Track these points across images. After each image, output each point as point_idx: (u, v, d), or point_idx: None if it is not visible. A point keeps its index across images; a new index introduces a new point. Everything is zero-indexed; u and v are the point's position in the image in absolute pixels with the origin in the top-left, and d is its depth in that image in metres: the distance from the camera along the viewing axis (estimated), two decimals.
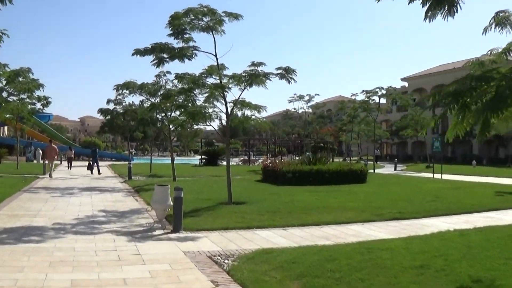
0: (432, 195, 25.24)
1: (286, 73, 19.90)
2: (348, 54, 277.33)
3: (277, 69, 20.04)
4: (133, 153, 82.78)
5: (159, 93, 32.37)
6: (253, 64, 19.89)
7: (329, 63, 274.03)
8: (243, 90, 20.53)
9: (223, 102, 20.90)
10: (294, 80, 19.95)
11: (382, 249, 11.76)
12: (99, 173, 41.72)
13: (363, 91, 58.92)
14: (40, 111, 44.40)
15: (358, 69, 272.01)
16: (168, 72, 32.12)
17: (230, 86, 20.20)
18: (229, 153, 22.05)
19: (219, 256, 11.77)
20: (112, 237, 14.04)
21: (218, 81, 20.30)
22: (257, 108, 20.85)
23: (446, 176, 41.79)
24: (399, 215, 18.58)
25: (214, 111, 22.01)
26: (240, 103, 20.59)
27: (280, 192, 25.28)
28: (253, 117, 21.64)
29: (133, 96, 36.35)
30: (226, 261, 11.28)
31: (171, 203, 15.61)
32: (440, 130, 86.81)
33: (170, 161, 68.12)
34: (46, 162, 39.40)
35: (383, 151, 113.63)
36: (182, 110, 21.49)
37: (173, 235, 14.42)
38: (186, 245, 13.00)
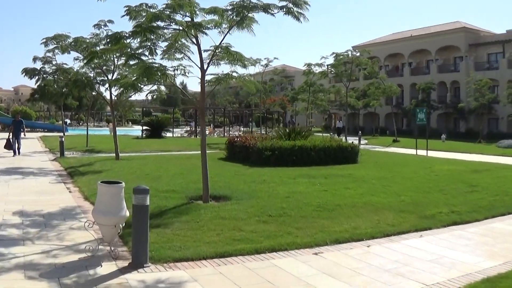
0: (461, 181, 19.69)
1: (294, 6, 13.32)
2: (291, 21, 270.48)
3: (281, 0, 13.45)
4: (67, 123, 75.05)
5: (99, 48, 26.02)
6: None
7: (272, 30, 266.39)
8: (226, 34, 14.11)
9: (196, 51, 14.43)
10: (304, 16, 13.46)
11: None
12: (15, 153, 29.77)
13: (333, 53, 52.54)
14: None
15: (304, 37, 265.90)
16: (110, 21, 25.42)
17: (208, 26, 13.64)
18: (205, 125, 15.32)
19: None
20: (23, 284, 7.50)
21: (189, 19, 13.66)
22: (242, 60, 14.43)
23: (426, 153, 36.33)
24: (457, 218, 13.08)
25: (181, 65, 15.47)
26: (225, 52, 14.05)
27: (267, 179, 18.94)
28: (233, 74, 15.11)
29: (66, 54, 28.97)
30: None
31: (127, 214, 9.09)
32: (394, 101, 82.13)
33: (108, 132, 63.21)
34: None
35: (331, 123, 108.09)
36: (137, 62, 14.46)
37: (133, 279, 7.92)
38: None
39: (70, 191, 16.55)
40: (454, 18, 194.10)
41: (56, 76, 31.39)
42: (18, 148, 30.36)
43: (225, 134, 63.76)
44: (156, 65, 14.37)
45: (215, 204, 13.75)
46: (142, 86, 15.67)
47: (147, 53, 14.24)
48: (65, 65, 29.86)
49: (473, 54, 78.93)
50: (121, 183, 9.17)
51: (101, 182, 9.23)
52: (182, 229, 10.81)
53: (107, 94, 28.52)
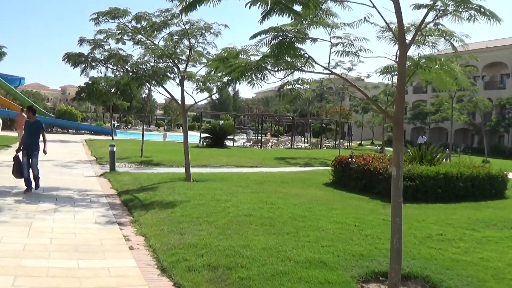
0: None
1: None
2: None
3: None
4: (115, 125, 68.88)
5: (167, 31, 19.85)
6: None
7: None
8: None
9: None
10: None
11: None
12: (30, 186, 15.63)
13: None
14: None
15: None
16: None
17: None
18: (402, 147, 7.83)
19: None
20: None
21: None
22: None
23: None
24: None
25: (347, 35, 8.62)
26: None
27: (441, 231, 11.59)
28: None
29: (119, 43, 21.55)
30: None
31: None
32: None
33: (160, 138, 56.82)
34: (17, 132, 32.35)
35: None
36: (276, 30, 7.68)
37: None
38: None
39: (131, 247, 9.66)
40: None
41: (110, 65, 22.54)
42: (36, 177, 15.85)
43: (292, 145, 56.85)
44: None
45: None
46: (272, 71, 8.68)
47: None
48: (121, 51, 21.98)
49: None
50: None
51: None
52: None
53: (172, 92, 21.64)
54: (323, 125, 76.59)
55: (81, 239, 9.99)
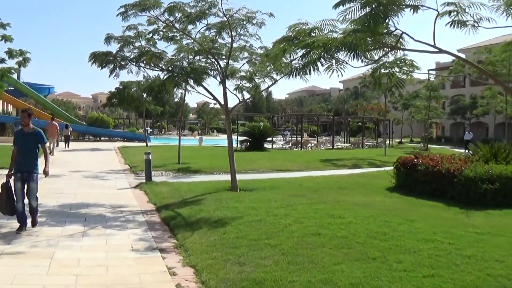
0: None
1: None
2: None
3: None
4: (148, 131, 67.10)
5: (205, 22, 17.34)
6: None
7: None
8: None
9: None
10: None
11: None
12: (22, 225, 10.90)
13: (486, 48, 41.73)
14: (13, 71, 27.78)
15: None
16: None
17: None
18: None
19: None
20: None
21: None
22: None
23: None
24: None
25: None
26: None
27: None
28: None
29: (150, 43, 19.26)
30: None
31: None
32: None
33: (196, 142, 54.69)
34: (49, 141, 29.77)
35: (432, 133, 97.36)
36: None
37: None
38: None
39: (178, 286, 7.47)
40: None
41: (142, 63, 19.74)
42: (34, 211, 11.37)
43: (333, 145, 54.50)
44: None
45: None
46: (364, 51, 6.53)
47: None
48: (153, 48, 19.46)
49: None
50: None
51: None
52: None
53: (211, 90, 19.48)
54: (362, 124, 74.36)
55: (114, 275, 7.91)
